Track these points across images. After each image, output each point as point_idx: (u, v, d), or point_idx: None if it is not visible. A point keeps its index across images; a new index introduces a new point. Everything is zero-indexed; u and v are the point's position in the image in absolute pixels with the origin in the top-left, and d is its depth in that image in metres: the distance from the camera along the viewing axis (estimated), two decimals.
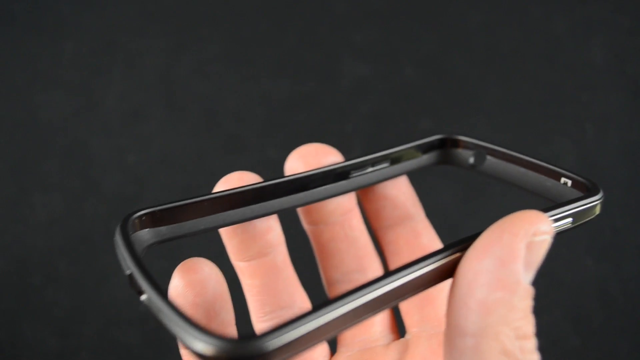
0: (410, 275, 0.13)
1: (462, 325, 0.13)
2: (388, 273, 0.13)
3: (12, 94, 0.49)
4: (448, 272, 0.14)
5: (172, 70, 0.50)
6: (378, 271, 0.21)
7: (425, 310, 0.20)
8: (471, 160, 0.21)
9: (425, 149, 0.21)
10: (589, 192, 0.18)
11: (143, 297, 0.13)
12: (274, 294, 0.19)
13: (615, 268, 0.44)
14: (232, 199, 0.18)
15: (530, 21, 0.51)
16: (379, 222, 0.21)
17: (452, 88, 0.49)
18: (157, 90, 0.49)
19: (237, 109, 0.49)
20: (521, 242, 0.13)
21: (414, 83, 0.49)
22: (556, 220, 0.16)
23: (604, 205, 0.17)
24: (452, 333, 0.13)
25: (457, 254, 0.14)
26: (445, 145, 0.21)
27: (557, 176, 0.19)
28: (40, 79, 0.49)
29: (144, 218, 0.16)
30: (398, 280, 0.13)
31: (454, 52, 0.50)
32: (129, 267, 0.14)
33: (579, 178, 0.19)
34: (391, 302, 0.13)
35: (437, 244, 0.21)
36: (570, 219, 0.17)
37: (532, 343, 0.13)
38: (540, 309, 0.49)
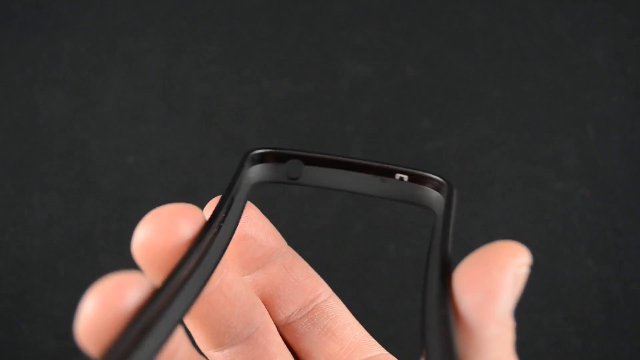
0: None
1: None
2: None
3: (10, 94, 0.49)
4: None
5: (172, 70, 0.50)
6: (265, 315, 0.19)
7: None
8: (288, 172, 0.18)
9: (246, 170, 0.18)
10: (442, 187, 0.17)
11: None
12: None
13: (616, 269, 0.44)
14: None
15: (531, 21, 0.51)
16: (246, 267, 0.19)
17: (452, 88, 0.49)
18: (157, 90, 0.49)
19: (237, 109, 0.49)
20: (509, 274, 0.13)
21: (414, 83, 0.49)
22: None
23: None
24: None
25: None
26: (262, 161, 0.18)
27: (389, 173, 0.18)
28: (39, 78, 0.49)
29: None
30: None
31: (454, 52, 0.50)
32: None
33: (416, 171, 0.17)
34: None
35: (310, 271, 0.19)
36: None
37: None
38: (541, 310, 0.49)
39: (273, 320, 0.19)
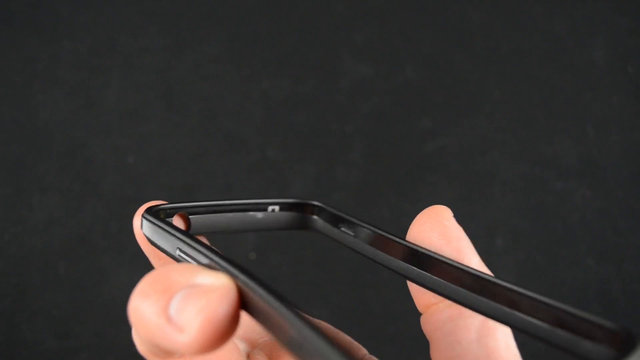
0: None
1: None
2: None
3: (10, 94, 0.49)
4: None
5: (172, 70, 0.50)
6: None
7: None
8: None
9: None
10: (308, 207, 0.19)
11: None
12: None
13: (616, 269, 0.44)
14: None
15: (531, 21, 0.51)
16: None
17: (452, 88, 0.49)
18: (157, 90, 0.49)
19: (237, 109, 0.49)
20: (453, 219, 0.17)
21: (414, 83, 0.49)
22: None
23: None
24: None
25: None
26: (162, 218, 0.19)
27: (263, 207, 0.19)
28: (39, 79, 0.49)
29: None
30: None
31: (454, 52, 0.50)
32: None
33: (286, 200, 0.19)
34: None
35: None
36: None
37: None
38: None
39: None
